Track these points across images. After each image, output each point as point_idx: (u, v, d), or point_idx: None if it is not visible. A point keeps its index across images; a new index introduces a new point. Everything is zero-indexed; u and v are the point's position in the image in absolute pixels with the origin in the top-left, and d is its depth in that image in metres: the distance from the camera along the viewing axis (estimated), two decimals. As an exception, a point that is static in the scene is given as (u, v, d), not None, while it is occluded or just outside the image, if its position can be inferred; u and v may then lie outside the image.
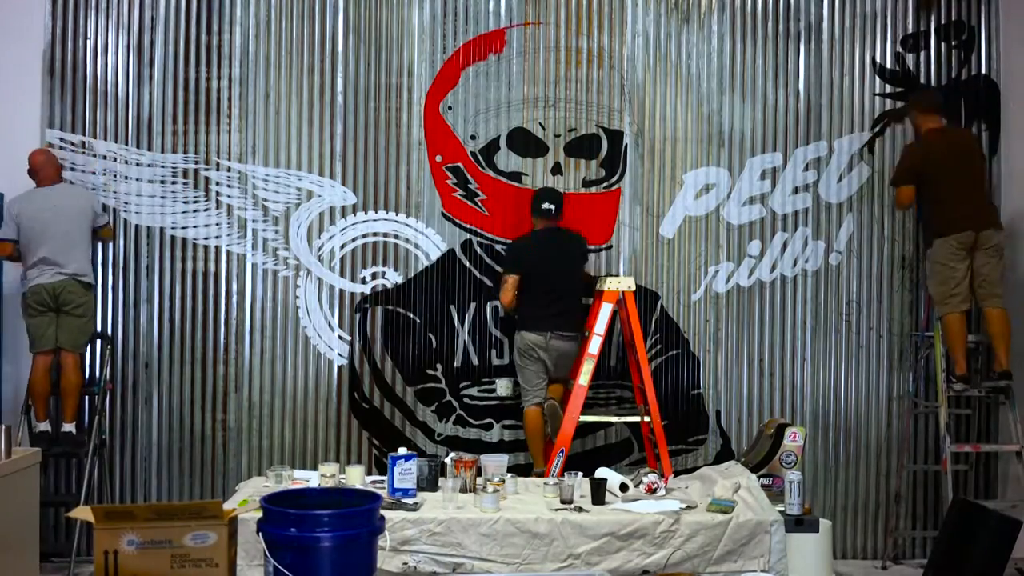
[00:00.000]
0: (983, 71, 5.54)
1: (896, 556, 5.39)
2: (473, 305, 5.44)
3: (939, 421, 5.07)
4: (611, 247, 5.48)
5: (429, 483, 4.06)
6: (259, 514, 2.91)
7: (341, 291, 5.42)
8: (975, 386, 5.04)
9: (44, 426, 4.94)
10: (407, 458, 3.96)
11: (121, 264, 5.31)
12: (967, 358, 4.99)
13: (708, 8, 5.52)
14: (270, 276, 5.38)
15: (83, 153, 5.29)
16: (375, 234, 5.43)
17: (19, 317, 5.11)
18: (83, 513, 3.12)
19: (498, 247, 5.45)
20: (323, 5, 5.41)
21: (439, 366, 5.44)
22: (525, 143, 5.46)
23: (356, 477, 4.10)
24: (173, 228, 5.34)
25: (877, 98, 5.53)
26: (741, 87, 5.51)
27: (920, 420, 5.43)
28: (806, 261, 5.50)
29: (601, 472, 4.13)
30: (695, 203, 5.51)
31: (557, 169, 5.46)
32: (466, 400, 5.42)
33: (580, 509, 3.81)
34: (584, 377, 4.92)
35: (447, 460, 4.19)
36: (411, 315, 5.43)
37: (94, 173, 5.30)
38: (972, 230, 4.91)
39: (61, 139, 5.27)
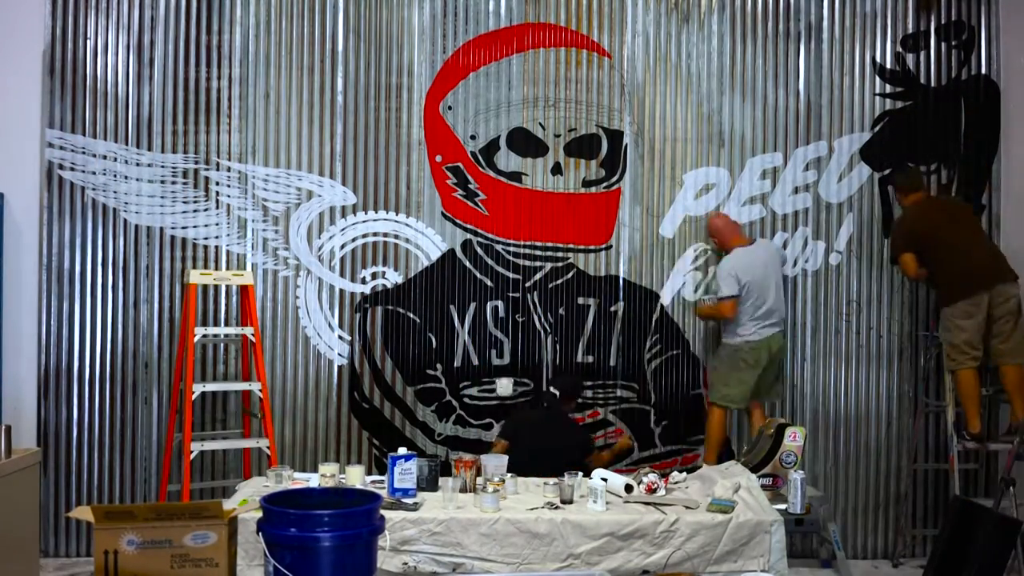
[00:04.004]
0: (983, 71, 5.54)
1: (902, 555, 5.38)
2: (473, 305, 5.44)
3: (947, 419, 5.07)
4: (611, 247, 5.48)
5: (429, 483, 4.06)
6: (259, 514, 2.91)
7: (341, 291, 5.42)
8: (987, 443, 4.99)
9: None
10: (407, 458, 3.96)
11: (121, 264, 5.31)
12: (980, 415, 4.95)
13: (708, 8, 5.52)
14: (270, 276, 5.38)
15: (83, 153, 5.29)
16: (375, 234, 5.43)
17: (18, 315, 5.14)
18: (83, 513, 3.12)
19: (498, 247, 5.45)
20: (323, 5, 5.41)
21: (439, 366, 5.44)
22: (525, 143, 5.46)
23: (356, 477, 4.10)
24: (173, 228, 5.34)
25: (877, 98, 5.53)
26: (741, 87, 5.51)
27: (926, 418, 5.42)
28: (806, 261, 5.50)
29: (600, 473, 4.12)
30: (695, 203, 5.51)
31: (557, 169, 5.46)
32: (466, 400, 5.42)
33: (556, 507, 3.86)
34: None
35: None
36: (411, 315, 5.43)
37: (94, 173, 5.30)
38: (983, 290, 4.87)
39: (61, 139, 5.27)
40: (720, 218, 5.34)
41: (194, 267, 5.27)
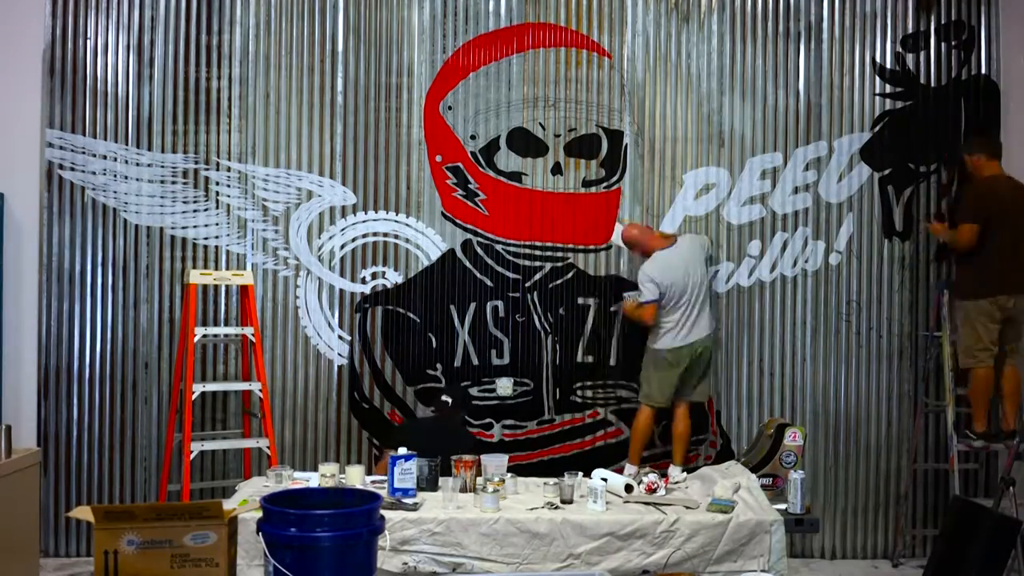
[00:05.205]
0: (983, 71, 5.54)
1: (902, 555, 5.38)
2: (473, 305, 5.44)
3: (947, 419, 5.07)
4: (611, 247, 5.47)
5: (429, 483, 4.06)
6: (259, 514, 2.91)
7: (341, 291, 5.42)
8: (990, 442, 4.95)
9: None
10: (407, 458, 3.96)
11: (121, 264, 5.31)
12: (988, 414, 4.93)
13: (708, 8, 5.52)
14: (270, 276, 5.38)
15: (83, 153, 5.29)
16: (375, 234, 5.43)
17: (18, 315, 5.14)
18: (83, 513, 3.12)
19: (498, 247, 5.45)
20: (323, 5, 5.41)
21: (439, 366, 5.44)
22: (525, 143, 5.46)
23: (356, 477, 4.10)
24: (173, 228, 5.34)
25: (877, 98, 5.53)
26: (741, 87, 5.51)
27: (926, 419, 5.42)
28: (806, 261, 5.50)
29: (600, 473, 4.12)
30: (695, 203, 5.51)
31: (557, 169, 5.46)
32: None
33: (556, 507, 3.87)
34: None
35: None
36: (411, 315, 5.43)
37: (94, 173, 5.30)
38: (1011, 294, 4.82)
39: (61, 139, 5.27)
40: (634, 227, 5.27)
41: (194, 267, 5.27)
